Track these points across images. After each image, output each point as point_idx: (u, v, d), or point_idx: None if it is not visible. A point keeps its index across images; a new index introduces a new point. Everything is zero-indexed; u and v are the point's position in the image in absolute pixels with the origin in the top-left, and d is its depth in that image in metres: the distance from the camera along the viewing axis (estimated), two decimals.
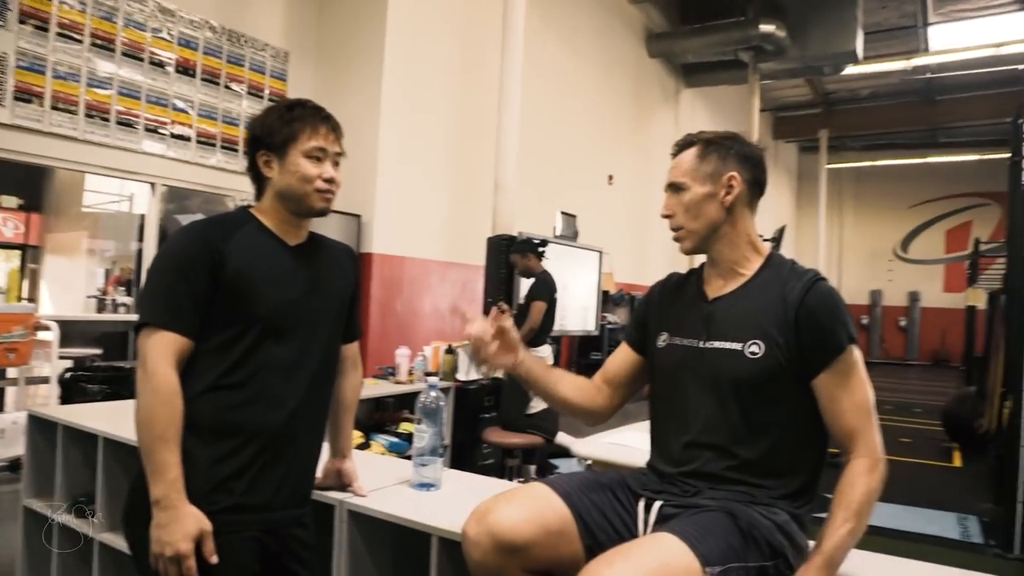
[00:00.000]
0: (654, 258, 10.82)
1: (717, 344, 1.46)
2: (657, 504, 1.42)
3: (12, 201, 9.95)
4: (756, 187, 1.54)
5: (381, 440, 4.23)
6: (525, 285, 5.16)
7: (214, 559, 1.38)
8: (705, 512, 1.34)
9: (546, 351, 5.01)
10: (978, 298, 11.04)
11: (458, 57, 6.86)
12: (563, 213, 6.94)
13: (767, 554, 1.30)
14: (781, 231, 10.75)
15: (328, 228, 5.80)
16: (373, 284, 6.12)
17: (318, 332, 1.61)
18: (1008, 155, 5.12)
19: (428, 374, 4.53)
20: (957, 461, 6.96)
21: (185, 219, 8.47)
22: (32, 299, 10.27)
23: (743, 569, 1.24)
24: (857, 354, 1.41)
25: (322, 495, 1.88)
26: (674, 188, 1.53)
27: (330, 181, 1.56)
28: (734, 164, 1.51)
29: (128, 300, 6.03)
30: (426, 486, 1.96)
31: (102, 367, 5.02)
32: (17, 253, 10.27)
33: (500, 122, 6.24)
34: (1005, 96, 13.05)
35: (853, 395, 1.39)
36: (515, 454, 4.75)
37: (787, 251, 15.00)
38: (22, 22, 4.42)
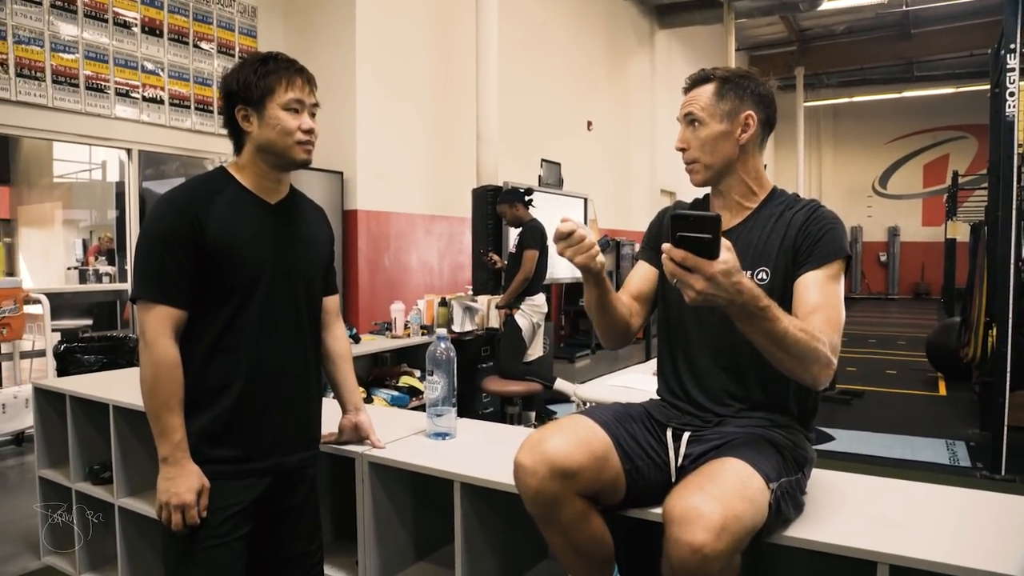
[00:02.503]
0: (636, 202, 10.82)
1: None
2: (686, 435, 1.50)
3: None
4: (768, 126, 1.58)
5: (382, 395, 4.25)
6: (514, 235, 5.14)
7: (205, 513, 1.49)
8: (746, 438, 1.42)
9: (541, 299, 5.02)
10: (957, 231, 11.18)
11: (433, 7, 6.71)
12: (545, 161, 6.89)
13: (795, 468, 1.42)
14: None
15: (310, 185, 5.78)
16: (360, 241, 6.09)
17: (302, 288, 1.65)
18: (987, 87, 5.13)
19: (423, 327, 4.56)
20: (942, 390, 7.12)
21: (163, 185, 8.34)
22: (12, 273, 10.12)
23: (788, 482, 1.36)
24: (842, 272, 1.45)
25: (342, 449, 1.90)
26: (691, 121, 1.55)
27: (309, 132, 1.57)
28: (751, 103, 1.54)
29: (111, 269, 5.96)
30: (442, 435, 1.98)
31: (95, 337, 4.97)
32: None
33: (478, 73, 6.16)
34: (981, 27, 13.03)
35: (829, 295, 1.41)
36: (514, 401, 4.80)
37: None
38: None
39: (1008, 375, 4.39)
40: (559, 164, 7.05)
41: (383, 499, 1.88)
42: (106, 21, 4.93)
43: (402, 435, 2.01)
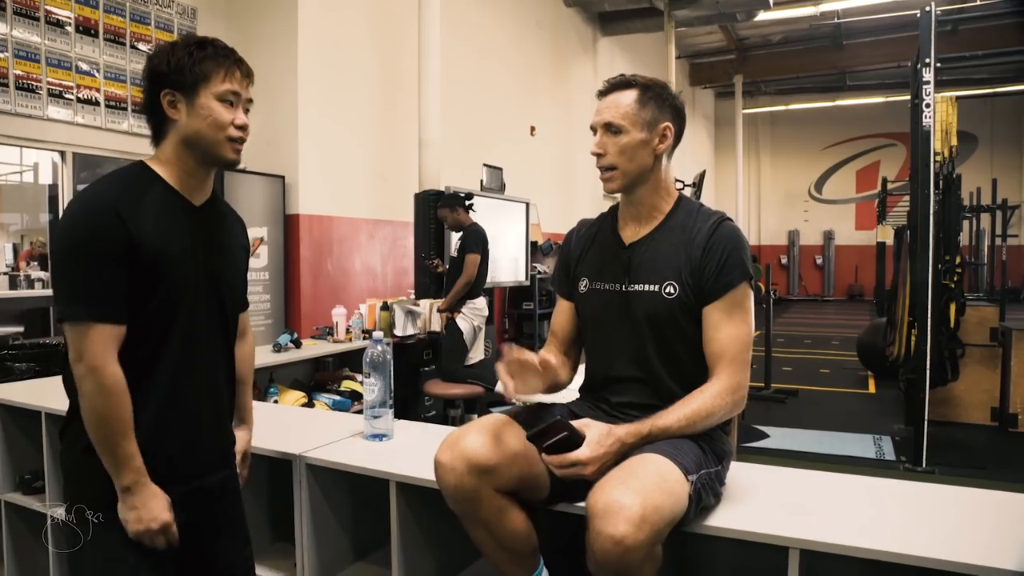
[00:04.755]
0: (579, 206, 10.96)
1: (638, 287, 1.59)
2: (611, 426, 1.53)
3: None
4: (678, 139, 1.64)
5: (324, 399, 4.24)
6: (456, 239, 5.19)
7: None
8: None
9: (482, 303, 5.07)
10: (887, 234, 11.61)
11: (375, 11, 6.71)
12: (487, 166, 6.95)
13: (715, 461, 1.51)
14: (701, 176, 11.02)
15: (252, 190, 5.71)
16: (302, 245, 6.04)
17: (227, 299, 1.54)
18: (909, 97, 5.38)
19: (365, 331, 4.56)
20: (872, 388, 7.42)
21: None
22: None
23: (708, 474, 1.44)
24: (748, 293, 1.56)
25: (279, 451, 1.92)
26: (610, 128, 1.58)
27: (243, 128, 1.44)
28: (669, 115, 1.60)
29: (44, 275, 5.77)
30: (379, 436, 2.02)
31: (27, 344, 4.83)
32: None
33: (421, 78, 6.18)
34: (907, 40, 13.59)
35: (733, 327, 1.53)
36: (456, 404, 4.85)
37: (707, 195, 15.41)
38: None
39: (928, 372, 4.63)
40: (501, 169, 7.12)
41: (320, 500, 1.91)
42: (37, 19, 4.80)
43: (340, 437, 2.03)
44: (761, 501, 1.54)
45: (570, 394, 1.77)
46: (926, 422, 4.53)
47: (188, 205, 1.46)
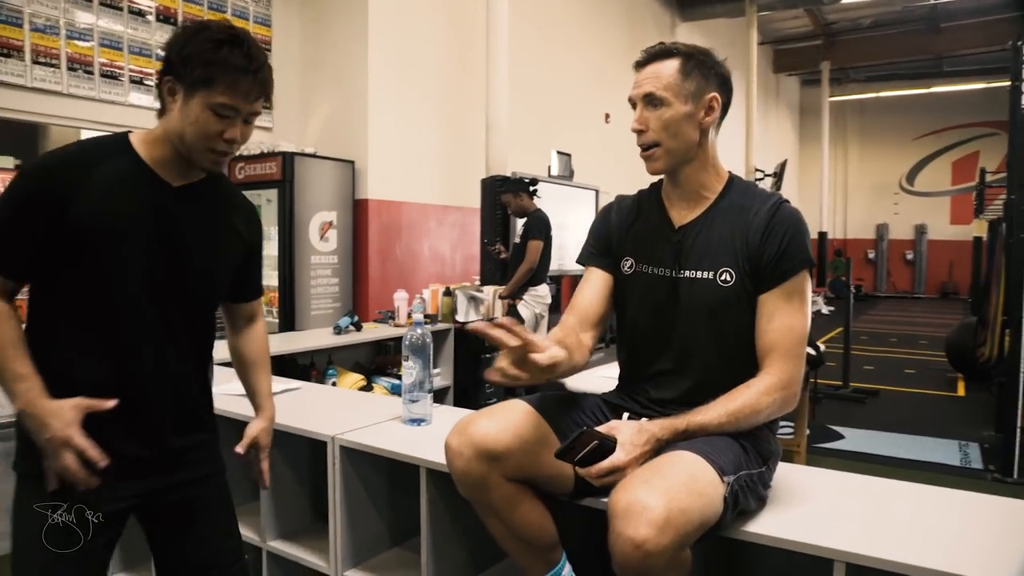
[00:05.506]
0: None
1: (689, 274, 1.47)
2: (642, 421, 1.43)
3: (8, 161, 9.87)
4: (725, 110, 1.51)
5: (383, 383, 4.26)
6: (520, 225, 5.12)
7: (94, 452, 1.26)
8: None
9: (544, 290, 5.00)
10: (984, 229, 10.96)
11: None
12: (558, 152, 6.85)
13: (759, 462, 1.39)
14: (782, 166, 10.64)
15: (322, 174, 5.79)
16: (371, 230, 6.11)
17: (191, 285, 1.41)
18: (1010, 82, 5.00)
19: (426, 316, 4.56)
20: (961, 390, 6.99)
21: None
22: None
23: (748, 476, 1.33)
24: (807, 281, 1.44)
25: (311, 431, 1.90)
26: (651, 101, 1.46)
27: (231, 142, 1.33)
28: (715, 84, 1.47)
29: None
30: (417, 421, 1.98)
31: None
32: None
33: (489, 63, 6.14)
34: (1009, 21, 12.75)
35: (789, 317, 1.41)
36: (518, 392, 4.79)
37: (789, 186, 14.88)
38: None
39: (1022, 376, 4.30)
40: (569, 155, 7.01)
41: (355, 483, 1.89)
42: (121, 9, 4.97)
43: (378, 420, 2.01)
44: (814, 507, 1.41)
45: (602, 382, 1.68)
46: (1019, 429, 4.22)
47: (160, 183, 1.36)
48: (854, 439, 5.08)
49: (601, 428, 1.32)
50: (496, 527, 1.43)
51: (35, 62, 4.53)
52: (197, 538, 1.49)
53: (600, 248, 1.65)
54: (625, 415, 1.49)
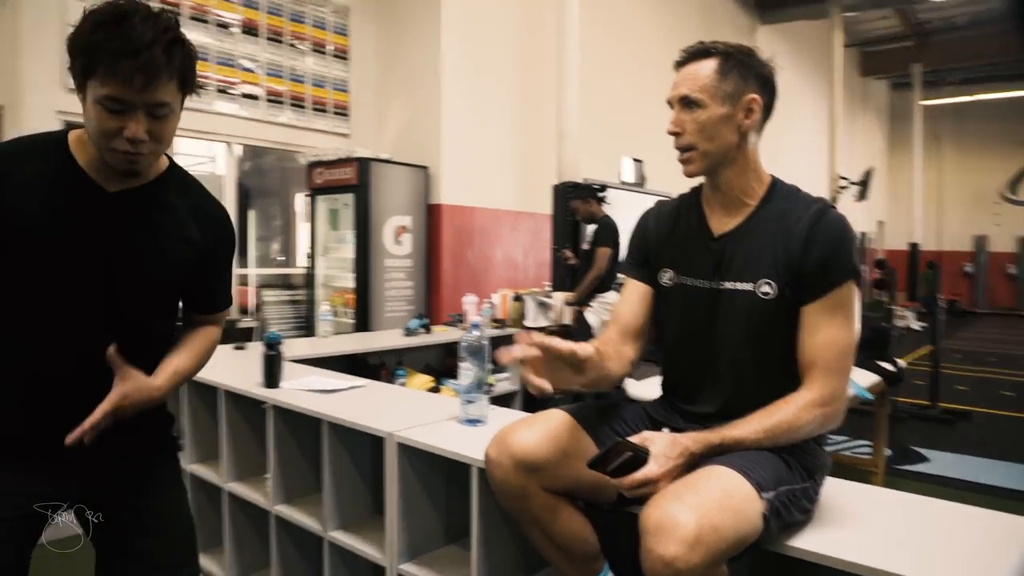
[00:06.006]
0: None
1: (729, 285, 1.43)
2: (676, 434, 1.41)
3: None
4: (768, 112, 1.47)
5: (452, 384, 4.30)
6: (590, 232, 5.11)
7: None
8: None
9: (612, 297, 4.96)
10: None
11: (517, 4, 6.75)
12: (628, 159, 6.80)
13: (804, 476, 1.34)
14: (868, 174, 10.24)
15: (395, 179, 5.90)
16: (444, 235, 6.19)
17: (116, 299, 1.29)
18: None
19: (495, 320, 4.59)
20: None
21: (257, 177, 8.64)
22: None
23: (790, 491, 1.28)
24: (853, 292, 1.37)
25: (370, 427, 1.95)
26: (687, 103, 1.42)
27: (134, 141, 1.16)
28: (755, 85, 1.43)
29: None
30: (473, 422, 2.00)
31: None
32: None
33: (560, 68, 6.15)
34: None
35: (832, 330, 1.35)
36: (585, 398, 4.76)
37: (877, 195, 14.30)
38: None
39: None
40: (641, 162, 6.94)
41: (412, 479, 1.92)
42: (208, 22, 5.22)
43: (436, 420, 2.04)
44: (870, 527, 1.35)
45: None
46: None
47: (94, 188, 1.26)
48: (940, 463, 4.82)
49: (634, 439, 1.29)
50: (537, 537, 1.43)
51: None
52: (135, 550, 1.38)
53: (638, 258, 1.62)
54: (664, 429, 1.46)
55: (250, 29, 5.48)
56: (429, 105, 6.09)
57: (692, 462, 1.28)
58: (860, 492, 1.55)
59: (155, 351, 1.38)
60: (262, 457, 2.34)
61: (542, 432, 1.39)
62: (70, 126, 1.32)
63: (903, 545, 1.27)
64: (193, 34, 5.03)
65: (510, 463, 1.37)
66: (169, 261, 1.34)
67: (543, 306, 4.95)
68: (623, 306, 1.61)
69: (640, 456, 1.25)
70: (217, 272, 1.46)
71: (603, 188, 5.06)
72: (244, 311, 6.26)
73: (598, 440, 1.42)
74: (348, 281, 5.76)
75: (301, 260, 6.92)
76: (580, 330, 4.81)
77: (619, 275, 5.10)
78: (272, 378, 2.39)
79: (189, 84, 1.22)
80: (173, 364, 1.38)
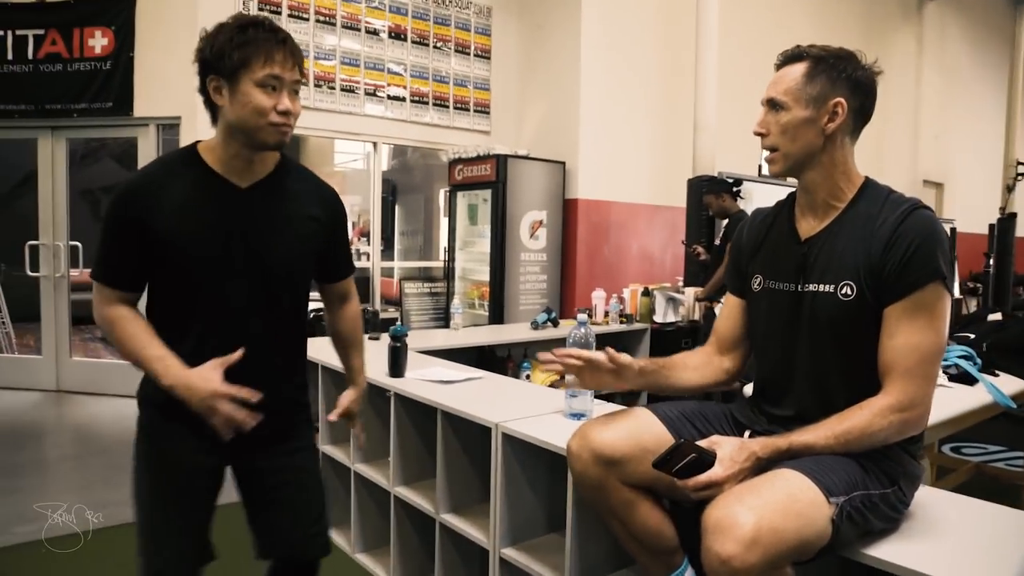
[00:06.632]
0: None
1: (812, 288, 1.43)
2: (744, 438, 1.43)
3: None
4: (861, 116, 1.45)
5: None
6: (723, 227, 5.01)
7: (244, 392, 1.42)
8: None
9: None
10: None
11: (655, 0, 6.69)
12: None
13: (885, 482, 1.33)
14: None
15: (533, 175, 6.05)
16: (580, 229, 6.27)
17: (275, 275, 1.53)
18: None
19: (623, 315, 4.62)
20: None
21: (404, 174, 9.03)
22: None
23: (866, 497, 1.28)
24: (939, 295, 1.33)
25: (479, 418, 2.07)
26: (773, 105, 1.45)
27: (286, 114, 1.41)
28: (843, 89, 1.42)
29: (368, 249, 6.68)
30: (577, 415, 2.08)
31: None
32: None
33: (698, 60, 6.03)
34: None
35: (913, 334, 1.32)
36: (713, 396, 4.69)
37: None
38: (260, 8, 5.04)
39: None
40: None
41: (515, 468, 2.02)
42: (359, 30, 5.57)
43: (543, 412, 2.13)
44: (964, 541, 1.32)
45: None
46: None
47: (230, 187, 1.48)
48: None
49: (703, 442, 1.32)
50: (617, 529, 1.49)
51: None
52: (285, 501, 1.61)
53: (732, 271, 1.67)
54: (747, 433, 1.48)
55: (397, 34, 5.79)
56: (568, 101, 6.17)
57: (760, 466, 1.30)
58: (971, 507, 1.49)
59: (296, 314, 1.63)
60: (387, 442, 2.53)
61: (622, 428, 1.46)
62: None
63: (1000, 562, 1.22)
64: (345, 41, 5.44)
65: (589, 456, 1.44)
66: (302, 238, 1.57)
67: (672, 301, 4.92)
68: (721, 319, 1.69)
69: (705, 459, 1.29)
70: (340, 242, 1.72)
71: (738, 182, 4.94)
72: (388, 302, 6.65)
73: (680, 437, 1.46)
74: (485, 275, 5.98)
75: (441, 254, 7.22)
76: (708, 326, 4.74)
77: None
78: (397, 368, 2.58)
79: (302, 70, 1.48)
80: (357, 364, 1.84)
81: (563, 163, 6.20)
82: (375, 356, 2.86)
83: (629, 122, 6.51)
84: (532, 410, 2.14)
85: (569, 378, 1.67)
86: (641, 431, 1.46)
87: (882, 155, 9.66)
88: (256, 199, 1.51)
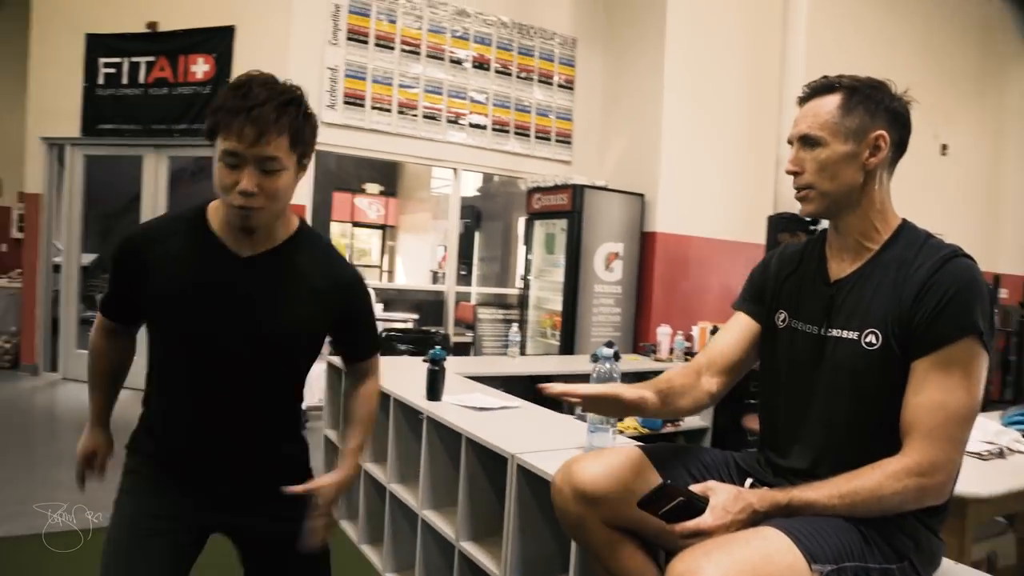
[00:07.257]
0: (1010, 240, 9.20)
1: (835, 333, 1.34)
2: (742, 488, 1.33)
3: (375, 188, 11.88)
4: (900, 150, 1.35)
5: (636, 417, 4.30)
6: None
7: (102, 471, 1.58)
8: None
9: None
10: None
11: (741, 34, 6.54)
12: None
13: (890, 557, 1.22)
14: None
15: (611, 206, 6.02)
16: (656, 262, 6.17)
17: (252, 351, 1.40)
18: None
19: (687, 353, 4.49)
20: None
21: (486, 200, 9.09)
22: (390, 271, 12.18)
23: (862, 570, 1.18)
24: (975, 352, 1.20)
25: (497, 447, 2.05)
26: (806, 141, 1.34)
27: (245, 194, 1.26)
28: (883, 120, 1.32)
29: (446, 272, 6.81)
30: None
31: (412, 329, 5.80)
32: (379, 232, 12.25)
33: (782, 96, 5.86)
34: None
35: (939, 392, 1.20)
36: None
37: None
38: (350, 39, 5.27)
39: None
40: None
41: (530, 501, 1.99)
42: (443, 59, 5.73)
43: (564, 447, 2.09)
44: None
45: None
46: None
47: (226, 255, 1.39)
48: None
49: (697, 487, 1.25)
50: (598, 568, 1.44)
51: (373, 107, 5.42)
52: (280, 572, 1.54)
53: (753, 294, 1.56)
54: (748, 481, 1.40)
55: (480, 64, 5.92)
56: (649, 133, 6.12)
57: (755, 520, 1.21)
58: None
59: (284, 393, 1.52)
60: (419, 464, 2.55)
61: (607, 466, 1.40)
62: None
63: None
64: (429, 70, 5.60)
65: (570, 492, 1.40)
66: (298, 316, 1.43)
67: None
68: (721, 336, 1.58)
69: (697, 504, 1.22)
70: (357, 324, 1.57)
71: (815, 221, 4.73)
72: (464, 326, 6.73)
73: (667, 480, 1.40)
74: (558, 304, 5.95)
75: (517, 281, 7.26)
76: None
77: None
78: (433, 391, 2.60)
79: (301, 143, 1.31)
80: (353, 445, 1.60)
81: (641, 195, 6.13)
82: (417, 378, 2.90)
83: (711, 155, 6.38)
84: (554, 443, 2.10)
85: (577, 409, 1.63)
86: (623, 468, 1.40)
87: (998, 196, 9.09)
88: (253, 272, 1.39)
